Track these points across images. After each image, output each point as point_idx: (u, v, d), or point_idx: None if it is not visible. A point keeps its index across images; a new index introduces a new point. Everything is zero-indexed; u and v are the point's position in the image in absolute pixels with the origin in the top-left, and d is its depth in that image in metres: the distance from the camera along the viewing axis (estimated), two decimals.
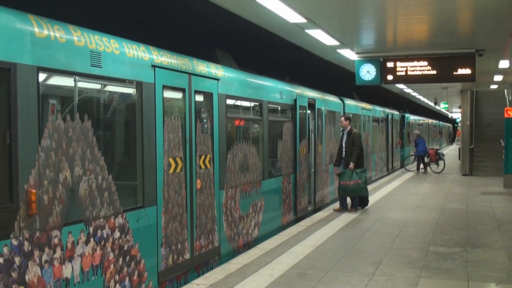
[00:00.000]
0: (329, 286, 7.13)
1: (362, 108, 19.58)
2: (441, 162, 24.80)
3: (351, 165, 12.69)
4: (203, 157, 8.19)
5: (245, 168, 9.72)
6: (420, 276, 7.57)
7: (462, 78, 12.23)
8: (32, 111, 5.06)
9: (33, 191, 5.01)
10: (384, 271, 7.85)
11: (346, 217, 12.35)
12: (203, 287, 7.04)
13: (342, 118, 13.23)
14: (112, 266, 6.15)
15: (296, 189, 12.00)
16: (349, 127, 13.06)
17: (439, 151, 25.78)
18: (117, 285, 6.23)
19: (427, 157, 24.67)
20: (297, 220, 11.91)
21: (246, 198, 9.73)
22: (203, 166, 8.18)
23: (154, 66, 7.02)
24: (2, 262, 4.69)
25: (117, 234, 6.25)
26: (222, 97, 8.85)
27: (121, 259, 6.31)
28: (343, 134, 13.17)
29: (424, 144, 24.80)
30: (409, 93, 27.05)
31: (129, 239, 6.47)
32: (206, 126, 8.30)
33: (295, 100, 11.95)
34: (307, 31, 9.88)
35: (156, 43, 7.54)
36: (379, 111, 22.90)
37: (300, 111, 12.35)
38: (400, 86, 21.57)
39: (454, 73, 12.14)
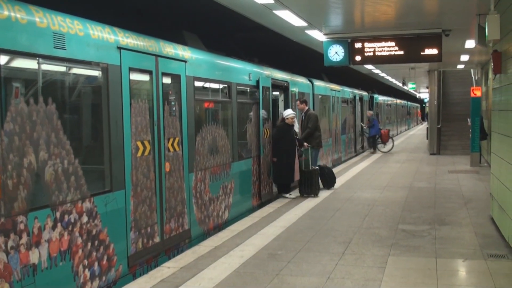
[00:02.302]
0: (300, 266, 7.18)
1: (331, 89, 19.63)
2: (389, 142, 25.54)
3: (306, 145, 13.12)
4: (171, 140, 8.12)
5: (214, 150, 9.68)
6: (389, 254, 7.67)
7: (429, 58, 12.33)
8: None
9: None
10: (353, 250, 7.93)
11: (316, 198, 12.43)
12: (174, 270, 7.03)
13: (298, 102, 13.75)
14: (80, 251, 6.08)
15: (260, 173, 11.98)
16: (306, 108, 13.55)
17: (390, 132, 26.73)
18: (86, 270, 6.17)
19: (378, 137, 25.25)
20: (262, 204, 11.90)
21: (216, 181, 9.70)
22: (171, 149, 8.11)
23: (120, 48, 6.90)
24: None
25: (85, 218, 6.17)
26: (190, 79, 8.77)
27: (89, 244, 6.24)
28: (301, 116, 13.72)
29: (378, 125, 25.29)
30: (377, 74, 27.24)
31: (97, 223, 6.39)
32: (174, 108, 8.22)
33: (258, 81, 11.86)
34: (275, 12, 9.83)
35: (122, 24, 7.41)
36: (348, 92, 22.99)
37: (265, 92, 12.29)
38: (369, 67, 21.69)
39: (421, 53, 12.23)
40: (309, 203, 11.78)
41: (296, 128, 13.16)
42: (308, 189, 12.70)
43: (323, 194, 12.92)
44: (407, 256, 7.63)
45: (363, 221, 9.86)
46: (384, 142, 25.60)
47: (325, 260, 7.45)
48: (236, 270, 7.04)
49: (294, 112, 12.83)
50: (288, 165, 12.40)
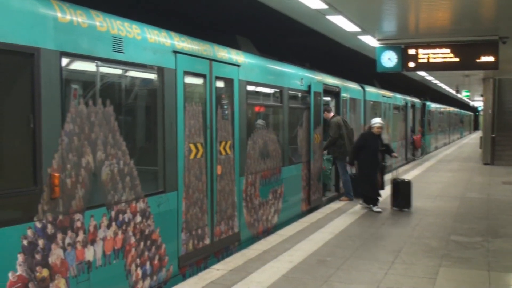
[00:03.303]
0: (349, 273, 7.14)
1: (383, 96, 19.44)
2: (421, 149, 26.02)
3: (394, 154, 12.60)
4: (223, 143, 8.20)
5: (265, 154, 9.72)
6: (440, 265, 7.54)
7: (485, 65, 12.07)
8: (55, 95, 5.09)
9: (56, 175, 5.06)
10: (403, 259, 7.83)
11: (366, 205, 12.31)
12: (223, 272, 7.09)
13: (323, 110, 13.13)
14: (133, 250, 6.21)
15: (310, 178, 11.95)
16: (330, 116, 13.08)
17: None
18: (138, 269, 6.29)
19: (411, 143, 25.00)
20: (311, 210, 11.86)
21: (266, 185, 9.74)
22: (223, 152, 8.19)
23: (175, 52, 7.02)
24: (26, 244, 4.75)
25: (138, 218, 6.29)
26: (243, 83, 8.85)
27: (142, 244, 6.36)
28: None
29: (410, 131, 24.94)
30: (430, 81, 26.79)
31: (150, 223, 6.51)
32: (226, 112, 8.31)
33: (309, 87, 11.85)
34: (328, 17, 9.81)
35: (177, 29, 7.54)
36: (400, 98, 22.72)
37: (317, 97, 12.26)
38: (421, 73, 21.37)
39: (477, 60, 11.98)
40: (359, 211, 11.69)
41: (385, 138, 12.46)
42: (396, 202, 11.80)
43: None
44: (458, 267, 7.47)
45: (414, 231, 9.72)
46: (417, 148, 25.30)
47: (374, 268, 7.38)
48: (285, 274, 7.05)
49: (381, 122, 12.03)
50: (366, 175, 11.71)
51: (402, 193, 11.75)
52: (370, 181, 11.69)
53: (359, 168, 11.88)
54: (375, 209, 11.69)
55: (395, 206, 11.81)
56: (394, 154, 12.49)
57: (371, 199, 11.87)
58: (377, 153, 11.79)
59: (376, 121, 11.96)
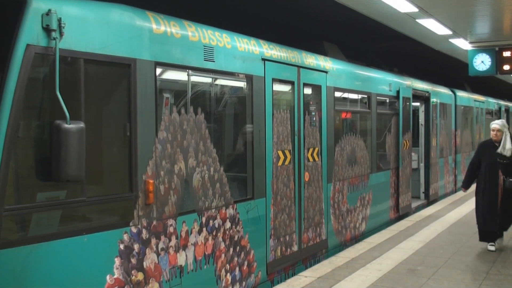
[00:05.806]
0: (441, 284, 6.93)
1: (475, 100, 18.79)
2: None
3: None
4: (311, 150, 8.18)
5: (352, 161, 9.62)
6: None
7: None
8: (150, 104, 5.27)
9: (151, 181, 5.22)
10: (499, 270, 7.53)
11: (457, 213, 11.94)
12: (311, 280, 7.07)
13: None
14: (223, 255, 6.30)
15: (398, 186, 11.70)
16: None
17: None
18: (228, 274, 6.37)
19: None
20: (400, 218, 11.60)
21: (354, 192, 9.63)
22: (311, 159, 8.18)
23: (264, 60, 7.08)
24: (122, 248, 4.93)
25: (228, 224, 6.38)
26: (331, 90, 8.80)
27: (231, 249, 6.45)
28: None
29: None
30: None
31: (239, 229, 6.59)
32: (314, 119, 8.29)
33: (398, 92, 11.62)
34: (418, 20, 9.60)
35: (265, 36, 7.60)
36: (493, 103, 21.88)
37: (405, 103, 12.00)
38: None
39: None
40: (449, 219, 11.34)
41: (508, 149, 8.38)
42: None
43: (464, 209, 12.37)
44: None
45: (509, 240, 9.31)
46: None
47: (467, 279, 7.14)
48: (374, 283, 6.94)
49: (498, 123, 8.75)
50: (479, 199, 8.75)
51: None
52: (481, 205, 8.71)
53: (476, 191, 8.90)
54: (490, 247, 8.64)
55: None
56: None
57: (483, 232, 8.75)
58: (495, 167, 8.52)
59: (492, 123, 8.84)
